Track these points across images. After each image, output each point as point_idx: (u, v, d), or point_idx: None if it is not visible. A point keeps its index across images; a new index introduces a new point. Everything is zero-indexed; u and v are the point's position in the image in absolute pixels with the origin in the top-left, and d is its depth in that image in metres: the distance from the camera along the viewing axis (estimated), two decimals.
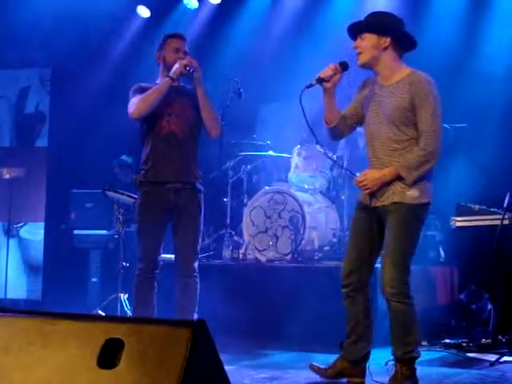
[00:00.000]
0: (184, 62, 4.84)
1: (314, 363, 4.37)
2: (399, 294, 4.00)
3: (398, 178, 4.03)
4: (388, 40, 4.08)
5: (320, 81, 4.14)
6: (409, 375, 4.04)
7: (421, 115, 4.00)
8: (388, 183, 4.06)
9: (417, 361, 4.10)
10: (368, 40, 4.10)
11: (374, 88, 4.20)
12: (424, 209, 4.10)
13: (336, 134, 4.38)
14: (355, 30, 4.18)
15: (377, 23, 4.12)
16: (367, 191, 4.11)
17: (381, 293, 4.10)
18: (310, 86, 4.14)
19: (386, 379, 4.08)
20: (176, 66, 4.86)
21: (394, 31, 4.10)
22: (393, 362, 4.11)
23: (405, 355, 4.04)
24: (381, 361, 4.41)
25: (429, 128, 3.99)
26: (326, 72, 4.15)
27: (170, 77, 4.84)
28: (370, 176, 4.10)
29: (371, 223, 4.20)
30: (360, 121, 4.30)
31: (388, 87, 4.12)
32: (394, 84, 4.10)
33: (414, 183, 4.02)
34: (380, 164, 4.12)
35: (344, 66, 4.15)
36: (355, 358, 4.25)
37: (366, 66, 4.17)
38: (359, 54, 4.14)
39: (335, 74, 4.14)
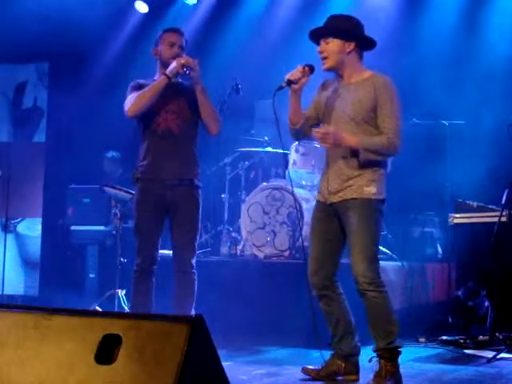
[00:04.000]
0: (182, 61, 4.76)
1: (307, 366, 4.33)
2: (373, 283, 4.05)
3: (357, 174, 4.14)
4: (352, 45, 4.20)
5: (289, 83, 4.20)
6: (393, 371, 4.04)
7: (385, 115, 4.10)
8: (346, 180, 4.15)
9: (416, 357, 4.08)
10: (333, 45, 4.20)
11: (337, 87, 4.28)
12: (381, 204, 4.19)
13: (300, 134, 4.46)
14: (319, 34, 4.26)
15: (342, 29, 4.20)
16: (325, 145, 4.13)
17: (356, 289, 4.09)
18: (281, 88, 4.22)
19: (371, 376, 4.06)
20: (173, 64, 4.78)
21: (357, 36, 4.22)
22: (377, 359, 4.08)
23: (389, 345, 4.04)
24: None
25: (393, 129, 4.09)
26: (295, 74, 4.20)
27: (166, 75, 4.80)
28: (337, 133, 4.10)
29: (330, 220, 4.25)
30: (318, 122, 4.36)
31: (349, 85, 4.23)
32: (355, 83, 4.21)
33: (372, 181, 4.12)
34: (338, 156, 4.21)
35: (311, 69, 4.22)
36: (346, 353, 4.27)
37: (331, 69, 4.27)
38: (325, 58, 4.22)
39: (303, 77, 4.21)
